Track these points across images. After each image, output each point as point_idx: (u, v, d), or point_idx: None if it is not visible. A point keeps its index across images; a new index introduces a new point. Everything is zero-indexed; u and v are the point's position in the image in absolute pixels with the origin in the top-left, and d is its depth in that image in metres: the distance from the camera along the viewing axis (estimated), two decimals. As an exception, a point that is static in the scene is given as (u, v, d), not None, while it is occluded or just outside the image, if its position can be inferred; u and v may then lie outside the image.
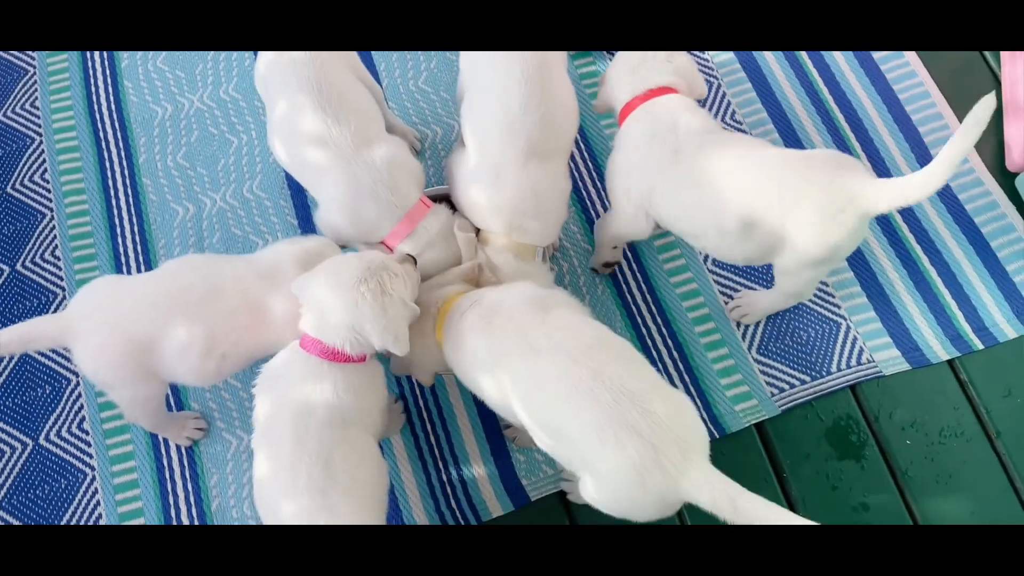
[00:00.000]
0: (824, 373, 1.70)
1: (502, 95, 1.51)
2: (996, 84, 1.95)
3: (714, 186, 1.43)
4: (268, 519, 1.32)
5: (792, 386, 1.69)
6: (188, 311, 1.37)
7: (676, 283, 1.79)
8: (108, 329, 1.37)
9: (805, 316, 1.75)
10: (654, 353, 1.73)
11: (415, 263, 1.46)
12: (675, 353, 1.73)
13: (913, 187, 1.34)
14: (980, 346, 1.71)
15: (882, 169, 1.87)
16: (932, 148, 1.89)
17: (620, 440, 1.19)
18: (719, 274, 1.79)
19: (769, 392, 1.69)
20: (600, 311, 1.77)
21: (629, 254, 1.82)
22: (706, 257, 1.81)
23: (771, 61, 2.00)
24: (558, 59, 1.58)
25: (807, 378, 1.70)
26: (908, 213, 1.83)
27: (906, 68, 1.98)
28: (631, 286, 1.80)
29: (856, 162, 1.43)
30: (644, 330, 1.75)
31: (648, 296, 1.79)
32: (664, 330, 1.75)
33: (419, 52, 2.05)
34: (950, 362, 1.71)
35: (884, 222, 1.83)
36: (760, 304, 1.72)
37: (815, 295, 1.76)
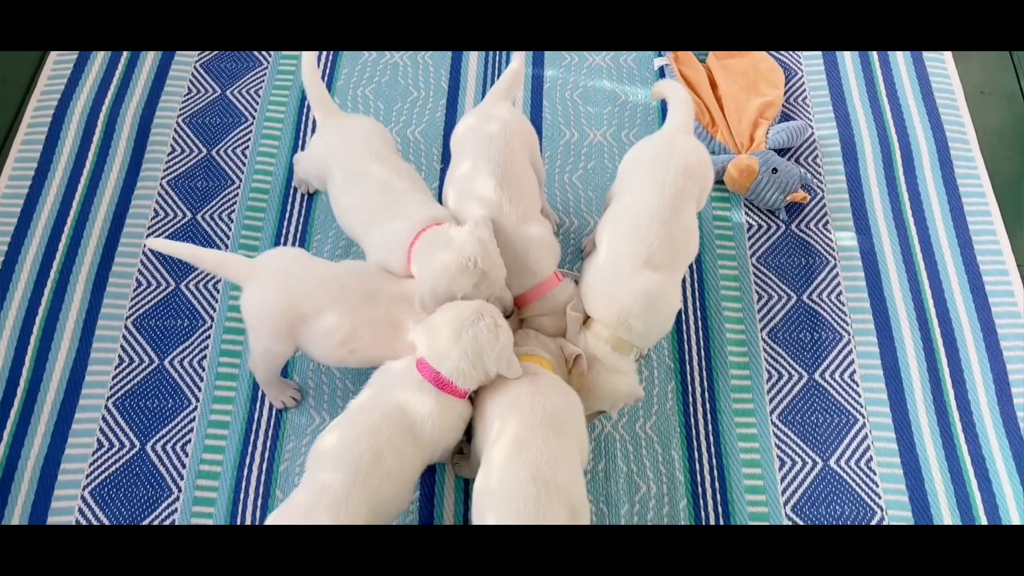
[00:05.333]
0: (847, 551, 1.95)
1: (637, 207, 1.92)
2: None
3: None
4: (309, 476, 1.64)
5: (814, 551, 1.95)
6: (345, 306, 1.78)
7: (739, 423, 2.09)
8: (281, 289, 1.79)
9: (846, 493, 2.01)
10: (698, 477, 2.02)
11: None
12: (717, 484, 2.02)
13: None
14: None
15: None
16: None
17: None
18: (781, 429, 2.09)
19: (791, 549, 1.95)
20: (663, 423, 2.09)
21: (706, 383, 2.15)
22: (773, 409, 2.11)
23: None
24: (691, 195, 1.96)
25: (830, 550, 1.95)
26: (980, 469, 2.04)
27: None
28: (698, 412, 2.11)
29: None
30: (696, 454, 2.05)
31: (710, 426, 2.09)
32: (715, 460, 2.05)
33: (581, 152, 2.49)
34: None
35: (946, 436, 2.08)
36: None
37: (861, 477, 2.02)
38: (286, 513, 1.61)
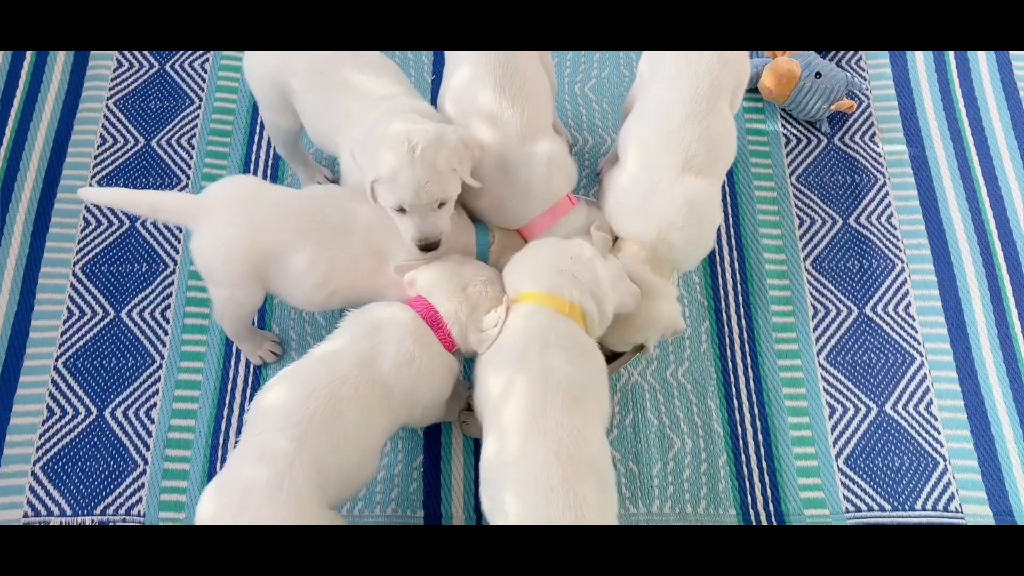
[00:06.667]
0: (907, 507, 1.75)
1: (667, 104, 1.64)
2: None
3: None
4: (261, 439, 1.34)
5: (870, 508, 1.75)
6: (320, 241, 1.51)
7: (783, 366, 1.87)
8: (239, 226, 1.51)
9: (904, 442, 1.81)
10: (739, 429, 1.81)
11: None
12: (760, 436, 1.81)
13: None
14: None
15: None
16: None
17: None
18: (830, 372, 1.87)
19: (844, 507, 1.75)
20: (697, 369, 1.86)
21: (743, 321, 1.91)
22: (820, 350, 1.89)
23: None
24: (727, 88, 1.68)
25: (887, 506, 1.75)
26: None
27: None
28: (736, 355, 1.88)
29: None
30: (736, 402, 1.84)
31: (751, 370, 1.87)
32: (756, 409, 1.83)
33: (594, 57, 2.19)
34: (1042, 539, 1.75)
35: (1014, 374, 1.88)
36: None
37: (921, 423, 1.82)
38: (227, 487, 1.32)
